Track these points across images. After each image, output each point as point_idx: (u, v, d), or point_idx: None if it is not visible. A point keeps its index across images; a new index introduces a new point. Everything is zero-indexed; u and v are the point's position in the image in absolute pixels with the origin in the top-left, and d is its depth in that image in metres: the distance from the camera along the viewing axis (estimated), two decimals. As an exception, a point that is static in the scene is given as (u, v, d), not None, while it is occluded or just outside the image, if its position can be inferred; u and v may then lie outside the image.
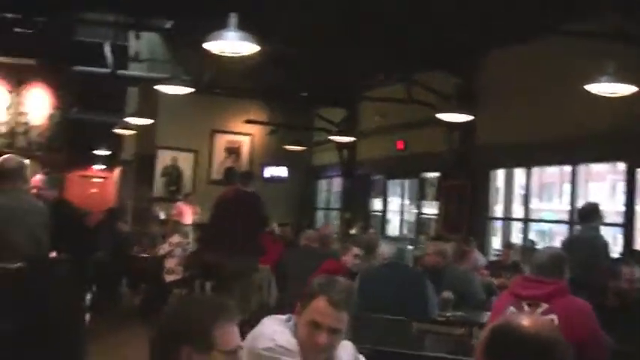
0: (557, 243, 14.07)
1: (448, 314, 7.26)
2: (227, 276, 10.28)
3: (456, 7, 10.59)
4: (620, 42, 9.47)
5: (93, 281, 9.84)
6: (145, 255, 13.02)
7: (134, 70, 18.16)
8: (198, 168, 20.61)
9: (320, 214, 21.77)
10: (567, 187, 12.92)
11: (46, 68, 16.85)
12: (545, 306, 4.85)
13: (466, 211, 13.98)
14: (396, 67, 14.59)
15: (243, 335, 3.61)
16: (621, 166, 11.80)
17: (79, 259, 7.15)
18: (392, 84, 15.63)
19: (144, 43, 18.10)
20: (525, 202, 13.55)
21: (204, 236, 14.10)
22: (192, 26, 10.62)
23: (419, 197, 16.78)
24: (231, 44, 7.74)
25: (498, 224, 14.77)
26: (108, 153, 23.64)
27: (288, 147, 19.68)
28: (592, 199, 11.32)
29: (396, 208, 17.94)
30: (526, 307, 4.87)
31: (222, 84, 17.59)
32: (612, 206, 13.16)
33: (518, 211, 14.04)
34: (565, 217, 13.04)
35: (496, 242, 14.53)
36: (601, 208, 9.33)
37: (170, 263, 12.64)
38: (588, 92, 8.81)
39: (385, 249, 7.36)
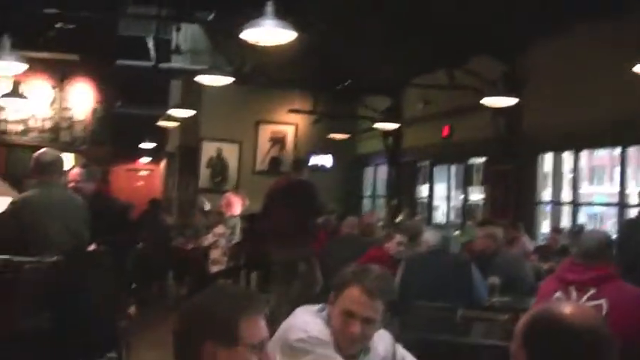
0: (607, 227, 13.88)
1: (494, 300, 7.10)
2: (280, 266, 10.13)
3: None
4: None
5: (137, 273, 9.81)
6: (189, 246, 12.99)
7: (176, 63, 18.16)
8: (243, 159, 20.55)
9: (366, 202, 21.63)
10: (617, 171, 12.64)
11: (89, 63, 16.90)
12: (593, 291, 4.68)
13: (513, 196, 13.77)
14: (442, 53, 14.39)
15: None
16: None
17: (119, 252, 7.08)
18: (437, 71, 15.44)
19: (186, 35, 18.09)
20: (574, 186, 13.31)
21: (256, 226, 14.07)
22: (233, 17, 10.50)
23: (465, 183, 16.61)
24: (268, 32, 7.62)
25: (547, 209, 14.55)
26: (153, 146, 23.72)
27: (332, 136, 19.53)
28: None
29: (443, 195, 17.76)
30: (573, 292, 4.69)
31: (265, 74, 17.51)
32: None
33: (567, 195, 13.80)
34: (615, 200, 12.76)
35: (545, 227, 14.33)
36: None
37: (214, 254, 12.61)
38: (636, 75, 8.60)
39: (430, 236, 7.19)
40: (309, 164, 19.20)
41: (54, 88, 16.89)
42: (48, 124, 16.88)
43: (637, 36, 9.60)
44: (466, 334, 6.21)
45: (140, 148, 24.19)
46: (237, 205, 17.36)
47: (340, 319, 3.37)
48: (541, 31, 12.48)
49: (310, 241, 10.15)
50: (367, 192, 21.87)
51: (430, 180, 18.04)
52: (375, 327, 3.44)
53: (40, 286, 5.56)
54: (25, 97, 13.81)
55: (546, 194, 14.27)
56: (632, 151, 12.34)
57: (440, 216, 17.82)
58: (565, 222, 13.62)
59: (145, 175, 27.96)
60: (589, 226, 12.91)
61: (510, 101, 11.78)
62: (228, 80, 11.81)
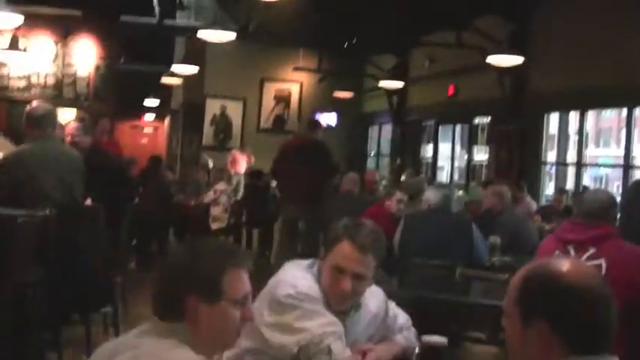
0: (613, 189, 13.77)
1: (494, 259, 7.03)
2: (285, 224, 10.01)
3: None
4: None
5: (136, 230, 9.76)
6: (190, 203, 12.92)
7: (181, 19, 17.99)
8: (247, 116, 20.45)
9: (370, 161, 21.54)
10: (624, 133, 12.52)
11: (92, 19, 16.78)
12: (592, 250, 4.58)
13: (517, 157, 13.66)
14: (449, 12, 14.21)
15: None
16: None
17: (115, 207, 7.00)
18: (444, 30, 15.26)
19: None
20: (579, 147, 13.18)
21: (260, 183, 14.00)
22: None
23: (470, 143, 16.51)
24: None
25: (551, 170, 14.46)
26: (157, 103, 23.60)
27: (337, 94, 19.37)
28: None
29: (447, 155, 17.65)
30: (572, 252, 4.60)
31: (270, 32, 17.34)
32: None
33: (572, 157, 13.68)
34: (621, 162, 12.65)
35: (549, 189, 14.25)
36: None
37: (215, 211, 12.55)
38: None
39: (430, 195, 7.09)
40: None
41: (57, 44, 16.80)
42: (51, 81, 16.81)
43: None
44: (465, 293, 6.12)
45: (144, 105, 24.08)
46: (242, 163, 17.36)
47: (330, 275, 3.28)
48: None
49: (322, 200, 10.00)
50: (371, 151, 21.77)
51: (435, 139, 17.92)
52: (366, 283, 3.35)
53: (32, 240, 5.48)
54: (24, 51, 13.67)
55: (551, 155, 14.17)
56: (638, 112, 12.21)
57: (444, 176, 17.74)
58: (570, 184, 13.53)
59: (149, 132, 27.88)
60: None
61: (516, 60, 11.61)
62: (232, 36, 11.64)
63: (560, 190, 12.68)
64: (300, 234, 9.92)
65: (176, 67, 15.83)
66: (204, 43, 14.60)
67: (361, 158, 21.31)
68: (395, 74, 16.82)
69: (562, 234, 4.82)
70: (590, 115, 13.97)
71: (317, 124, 10.74)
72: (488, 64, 11.85)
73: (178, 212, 12.24)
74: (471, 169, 16.41)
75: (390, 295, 4.12)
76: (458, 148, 17.40)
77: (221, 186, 12.98)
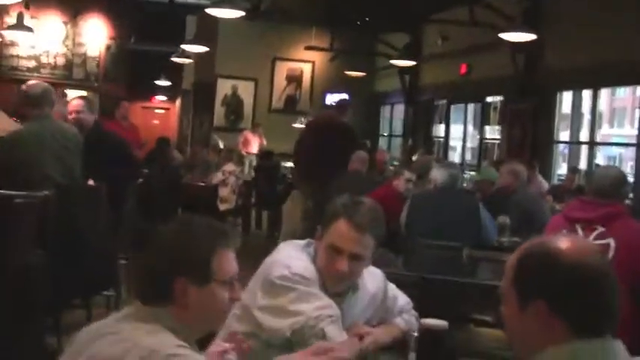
0: (626, 169, 13.63)
1: (503, 240, 6.91)
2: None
3: None
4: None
5: (143, 210, 9.64)
6: (199, 183, 12.83)
7: (192, -2, 17.86)
8: (259, 96, 20.37)
9: (382, 141, 21.41)
10: (638, 112, 12.38)
11: (101, -2, 16.69)
12: (601, 229, 4.46)
13: (530, 136, 13.53)
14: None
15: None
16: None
17: (118, 187, 6.91)
18: (457, 7, 15.11)
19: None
20: (592, 125, 13.06)
21: (268, 164, 13.90)
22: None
23: (482, 122, 16.37)
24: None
25: (564, 150, 14.34)
26: (168, 84, 23.47)
27: (349, 73, 19.23)
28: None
29: (459, 135, 17.52)
30: (580, 231, 4.48)
31: (282, 10, 17.22)
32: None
33: (585, 136, 13.54)
34: (634, 141, 12.49)
35: (562, 169, 14.14)
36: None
37: (223, 192, 12.46)
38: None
39: (437, 174, 6.95)
40: (326, 102, 19.01)
41: (66, 24, 16.68)
42: (60, 61, 16.71)
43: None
44: (472, 275, 6.01)
45: (155, 86, 23.93)
46: (254, 144, 17.31)
47: (327, 255, 3.16)
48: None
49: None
50: (384, 131, 21.64)
51: (446, 119, 17.81)
52: (363, 264, 3.23)
53: (32, 222, 5.38)
54: (31, 31, 13.55)
55: (564, 135, 14.05)
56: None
57: (456, 156, 17.62)
58: (582, 163, 13.40)
59: (161, 113, 27.76)
60: (607, 168, 12.63)
61: (530, 37, 11.44)
62: (241, 13, 11.47)
63: (572, 169, 12.56)
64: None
65: (187, 47, 15.69)
66: (215, 23, 14.47)
67: (373, 138, 21.18)
68: (407, 53, 16.71)
69: (570, 213, 4.71)
70: (604, 94, 13.85)
71: (345, 105, 10.50)
72: (501, 42, 11.72)
73: (186, 193, 12.13)
74: (483, 148, 16.28)
75: (396, 275, 4.01)
76: (470, 127, 17.29)
77: (230, 167, 12.88)
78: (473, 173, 13.24)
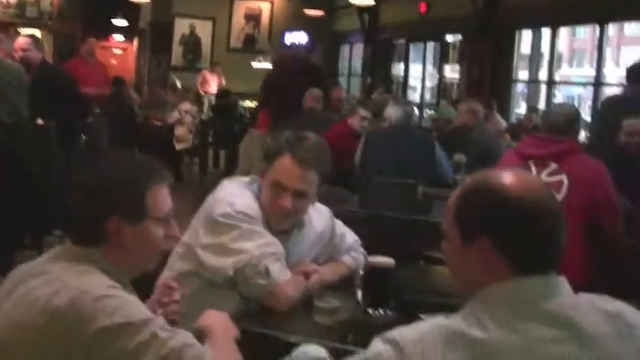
0: (585, 109, 13.65)
1: (458, 177, 6.87)
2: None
3: None
4: None
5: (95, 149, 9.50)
6: (156, 123, 12.69)
7: None
8: (217, 36, 20.13)
9: (342, 81, 21.28)
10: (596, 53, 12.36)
11: None
12: (554, 166, 4.42)
13: (489, 75, 13.49)
14: None
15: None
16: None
17: (67, 126, 6.76)
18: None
19: None
20: (551, 64, 13.03)
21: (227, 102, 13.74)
22: None
23: (441, 61, 16.31)
24: None
25: (523, 90, 14.33)
26: (125, 23, 23.08)
27: (308, 11, 19.02)
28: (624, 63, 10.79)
29: (418, 75, 17.45)
30: (533, 168, 4.43)
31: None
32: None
33: (545, 76, 13.52)
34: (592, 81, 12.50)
35: (521, 109, 14.14)
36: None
37: (180, 131, 12.34)
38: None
39: (392, 111, 6.88)
40: (285, 42, 18.81)
41: (19, -40, 16.32)
42: (13, -1, 16.37)
43: None
44: (427, 212, 5.97)
45: (112, 25, 23.49)
46: (213, 83, 17.13)
47: (270, 192, 3.08)
48: None
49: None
50: (343, 70, 21.53)
51: (406, 58, 17.70)
52: (308, 201, 3.15)
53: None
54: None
55: (523, 75, 14.04)
56: (611, 30, 12.05)
57: (416, 95, 17.57)
58: (542, 103, 13.39)
59: (118, 54, 27.33)
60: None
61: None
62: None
63: (531, 108, 12.53)
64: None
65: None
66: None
67: (333, 78, 21.06)
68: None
69: (523, 149, 4.67)
70: (564, 34, 13.83)
71: (314, 46, 10.42)
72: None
73: (142, 133, 12.01)
74: (442, 87, 16.23)
75: (349, 213, 3.95)
76: (429, 66, 17.22)
77: (185, 106, 12.75)
78: (432, 112, 13.20)
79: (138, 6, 19.90)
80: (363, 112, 7.63)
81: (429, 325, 1.81)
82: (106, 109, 10.35)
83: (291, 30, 19.28)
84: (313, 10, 18.93)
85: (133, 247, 2.23)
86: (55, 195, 6.32)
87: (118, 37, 25.32)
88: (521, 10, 12.64)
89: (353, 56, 20.87)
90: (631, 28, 17.38)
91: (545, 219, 1.84)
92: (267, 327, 2.85)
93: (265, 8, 20.45)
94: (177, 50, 19.69)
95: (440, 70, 16.33)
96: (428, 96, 17.24)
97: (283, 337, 2.69)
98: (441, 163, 6.68)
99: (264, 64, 17.28)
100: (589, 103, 13.44)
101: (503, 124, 11.05)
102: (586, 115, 11.55)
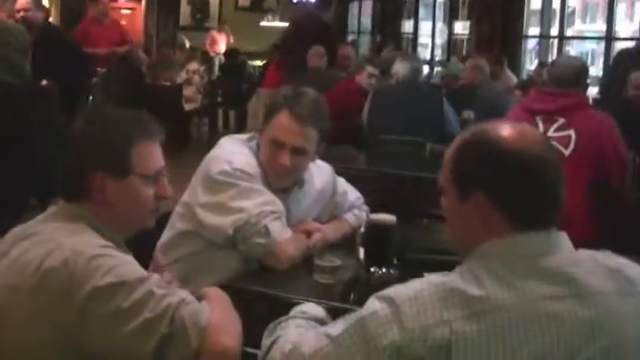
0: (598, 64, 13.51)
1: (466, 134, 6.80)
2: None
3: None
4: None
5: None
6: (164, 83, 12.60)
7: None
8: (226, -6, 19.97)
9: (351, 38, 21.13)
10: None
11: None
12: (561, 120, 4.35)
13: (499, 31, 13.34)
14: None
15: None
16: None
17: (72, 87, 6.71)
18: None
19: None
20: (562, 20, 12.86)
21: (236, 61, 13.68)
22: None
23: (451, 17, 16.16)
24: None
25: (534, 46, 14.19)
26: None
27: (316, -31, 18.84)
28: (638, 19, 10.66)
29: (428, 32, 17.28)
30: (540, 123, 4.36)
31: None
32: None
33: (556, 32, 13.37)
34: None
35: (533, 65, 14.00)
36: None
37: (188, 91, 12.27)
38: None
39: (399, 67, 6.79)
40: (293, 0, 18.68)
41: None
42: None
43: None
44: (434, 169, 5.90)
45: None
46: (221, 43, 17.04)
47: (268, 149, 3.03)
48: None
49: None
50: (352, 28, 21.36)
51: (415, 15, 17.50)
52: (307, 158, 3.10)
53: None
54: None
55: (534, 31, 13.87)
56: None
57: (426, 52, 17.42)
58: (551, 59, 13.27)
59: (127, 14, 27.23)
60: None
61: None
62: None
63: (541, 64, 12.40)
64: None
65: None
66: None
67: (341, 36, 20.90)
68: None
69: (530, 104, 4.60)
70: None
71: (326, 4, 10.36)
72: None
73: (150, 93, 11.93)
74: (452, 44, 16.08)
75: (355, 170, 3.89)
76: (439, 23, 17.05)
77: (193, 66, 12.67)
78: (441, 69, 13.10)
79: (146, -35, 19.81)
80: (370, 69, 7.55)
81: (426, 282, 1.76)
82: (114, 70, 10.26)
83: (299, -14, 19.19)
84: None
85: (119, 203, 2.19)
86: (57, 157, 6.28)
87: (127, -2, 25.26)
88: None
89: (362, 14, 20.69)
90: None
91: (544, 173, 1.78)
92: (268, 286, 2.83)
93: (274, -36, 20.28)
94: (185, 10, 19.54)
95: (450, 27, 16.15)
96: (438, 53, 17.09)
97: (283, 297, 2.67)
98: (449, 120, 6.61)
99: (272, 23, 17.17)
100: (602, 59, 13.30)
101: (514, 80, 10.96)
102: (599, 71, 11.43)
